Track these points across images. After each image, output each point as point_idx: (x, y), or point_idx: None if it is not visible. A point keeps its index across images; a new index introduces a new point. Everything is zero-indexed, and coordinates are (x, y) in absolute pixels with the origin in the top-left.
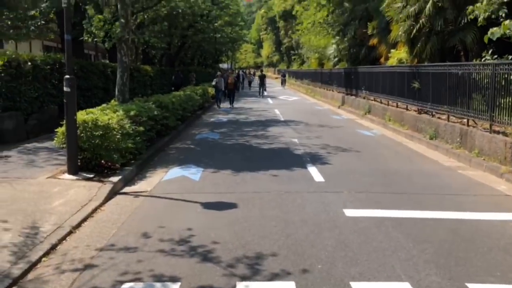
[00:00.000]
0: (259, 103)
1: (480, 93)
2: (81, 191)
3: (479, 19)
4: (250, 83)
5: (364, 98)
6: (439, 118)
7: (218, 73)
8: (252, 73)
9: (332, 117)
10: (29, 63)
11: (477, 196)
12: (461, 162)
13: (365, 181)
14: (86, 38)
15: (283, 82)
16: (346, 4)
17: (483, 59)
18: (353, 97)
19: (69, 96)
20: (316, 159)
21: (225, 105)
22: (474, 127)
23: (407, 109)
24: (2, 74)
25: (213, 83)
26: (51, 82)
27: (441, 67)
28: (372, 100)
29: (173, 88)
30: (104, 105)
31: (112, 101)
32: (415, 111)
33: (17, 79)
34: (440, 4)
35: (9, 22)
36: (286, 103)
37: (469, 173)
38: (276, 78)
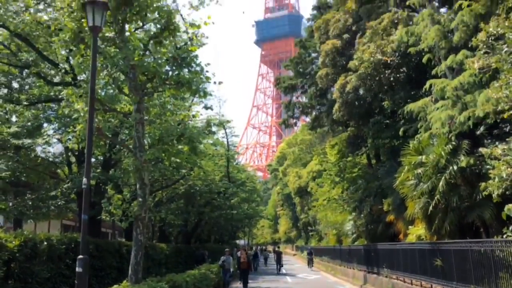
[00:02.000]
0: (277, 281)
1: (507, 272)
2: None
3: (493, 196)
4: (266, 259)
5: (386, 276)
6: None
7: (226, 249)
8: (270, 250)
9: None
10: (45, 243)
11: None
12: None
13: None
14: (104, 217)
15: (310, 262)
16: (360, 181)
17: (504, 236)
18: (375, 275)
19: (81, 277)
20: None
21: (239, 285)
22: None
23: None
24: (17, 255)
25: (220, 262)
26: (65, 262)
27: (462, 244)
28: (394, 278)
29: (195, 265)
30: (116, 286)
31: (124, 281)
32: None
33: (32, 259)
34: (453, 181)
35: (30, 203)
36: (305, 282)
37: None
38: (294, 255)
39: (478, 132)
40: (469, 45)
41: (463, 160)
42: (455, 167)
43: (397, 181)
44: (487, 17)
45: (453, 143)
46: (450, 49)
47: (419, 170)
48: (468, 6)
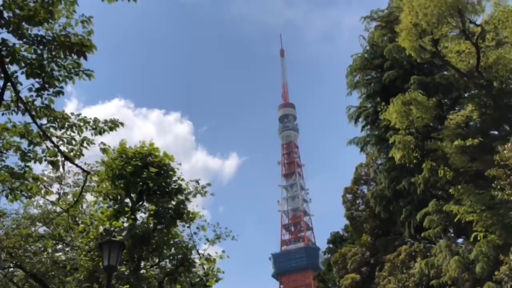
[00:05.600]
0: None
1: None
2: None
3: None
4: None
5: None
6: None
7: None
8: None
9: None
10: None
11: None
12: None
13: None
14: None
15: None
16: None
17: None
18: None
19: None
20: None
21: None
22: None
23: None
24: None
25: None
26: None
27: None
28: None
29: None
30: None
31: None
32: None
33: None
34: None
35: None
36: None
37: None
38: None
39: None
40: (493, 278)
41: None
42: None
43: None
44: (506, 248)
45: None
46: (474, 281)
47: None
48: (484, 237)
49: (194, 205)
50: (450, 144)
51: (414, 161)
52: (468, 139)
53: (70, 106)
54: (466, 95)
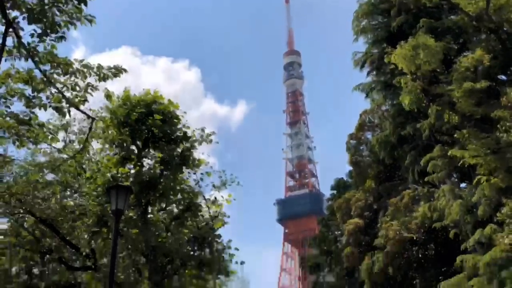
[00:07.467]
0: None
1: None
2: None
3: None
4: None
5: None
6: None
7: None
8: None
9: None
10: None
11: None
12: None
13: None
14: None
15: None
16: None
17: None
18: None
19: None
20: None
21: None
22: None
23: None
24: None
25: None
26: None
27: None
28: None
29: None
30: None
31: None
32: None
33: None
34: None
35: None
36: None
37: None
38: None
39: None
40: (495, 219)
41: None
42: None
43: None
44: (509, 191)
45: None
46: (476, 223)
47: None
48: (487, 180)
49: (200, 152)
50: (458, 87)
51: (422, 104)
52: (477, 82)
53: (77, 53)
54: (474, 39)
